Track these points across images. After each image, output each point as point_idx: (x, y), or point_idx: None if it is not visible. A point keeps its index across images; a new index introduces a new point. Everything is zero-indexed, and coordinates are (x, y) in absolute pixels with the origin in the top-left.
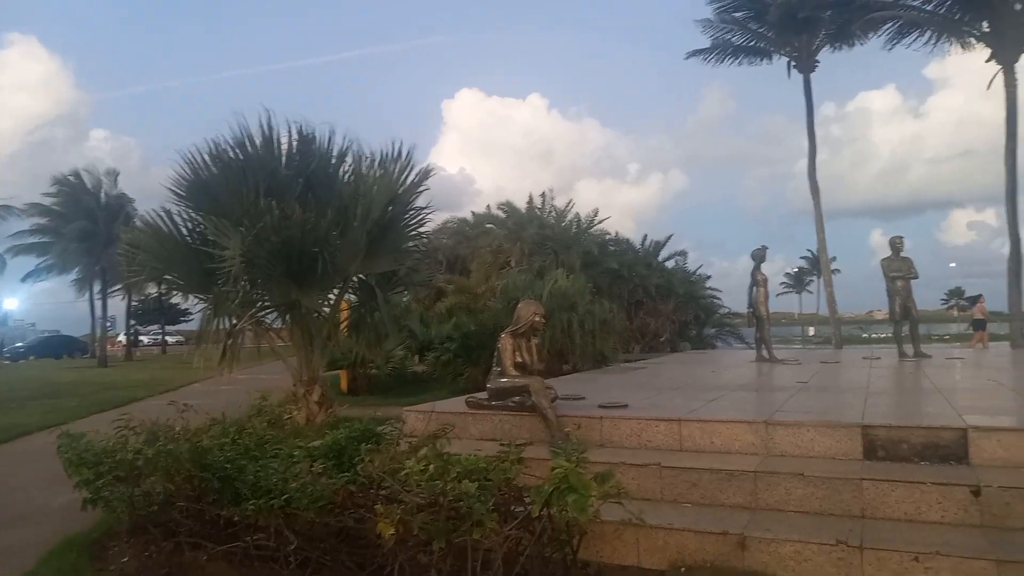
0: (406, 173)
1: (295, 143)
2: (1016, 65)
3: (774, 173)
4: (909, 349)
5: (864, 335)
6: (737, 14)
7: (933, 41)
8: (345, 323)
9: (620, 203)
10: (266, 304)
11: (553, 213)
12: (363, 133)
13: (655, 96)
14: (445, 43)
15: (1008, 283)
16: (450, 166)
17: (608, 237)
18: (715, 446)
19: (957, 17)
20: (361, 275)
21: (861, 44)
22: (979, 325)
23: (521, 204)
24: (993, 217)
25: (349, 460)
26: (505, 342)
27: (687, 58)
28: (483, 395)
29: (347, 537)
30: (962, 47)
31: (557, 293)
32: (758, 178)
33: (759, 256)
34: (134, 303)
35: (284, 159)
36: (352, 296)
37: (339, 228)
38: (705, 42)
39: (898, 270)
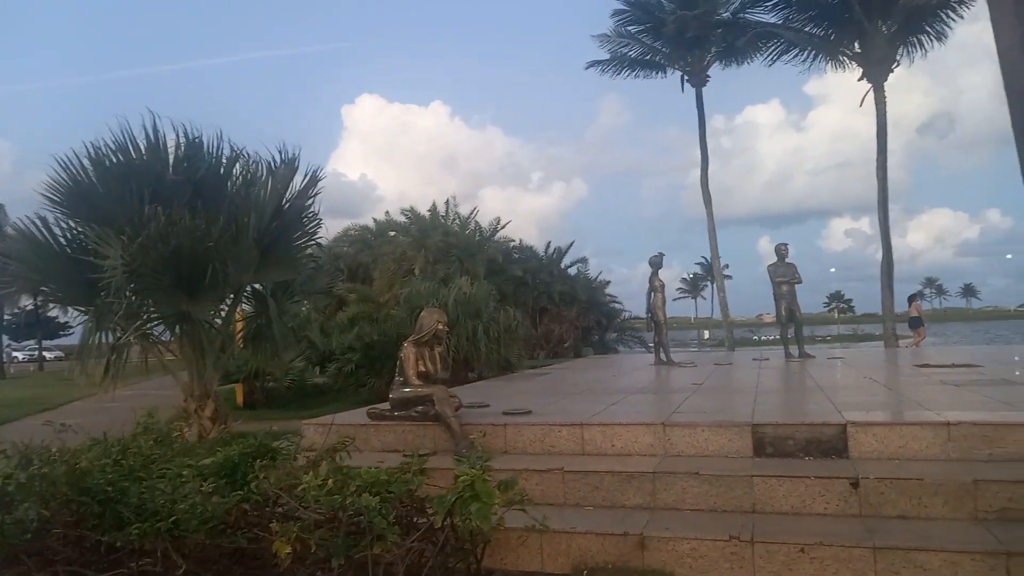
0: (296, 178)
1: (183, 147)
2: (885, 83)
3: (669, 183)
4: (795, 350)
5: (755, 337)
6: (633, 28)
7: (811, 60)
8: (240, 335)
9: (524, 210)
10: (153, 316)
11: (457, 220)
12: (261, 139)
13: (556, 106)
14: (344, 48)
15: (881, 286)
16: (351, 172)
17: (512, 244)
18: (616, 449)
19: (832, 38)
20: (256, 284)
21: (748, 63)
22: (916, 323)
23: (425, 211)
24: (867, 225)
25: (243, 477)
26: (408, 351)
27: (587, 68)
28: (385, 406)
29: (241, 558)
30: (836, 66)
31: (462, 301)
32: (654, 187)
33: (656, 263)
34: (7, 317)
35: (171, 164)
36: (247, 306)
37: (231, 235)
38: (604, 55)
39: (783, 275)
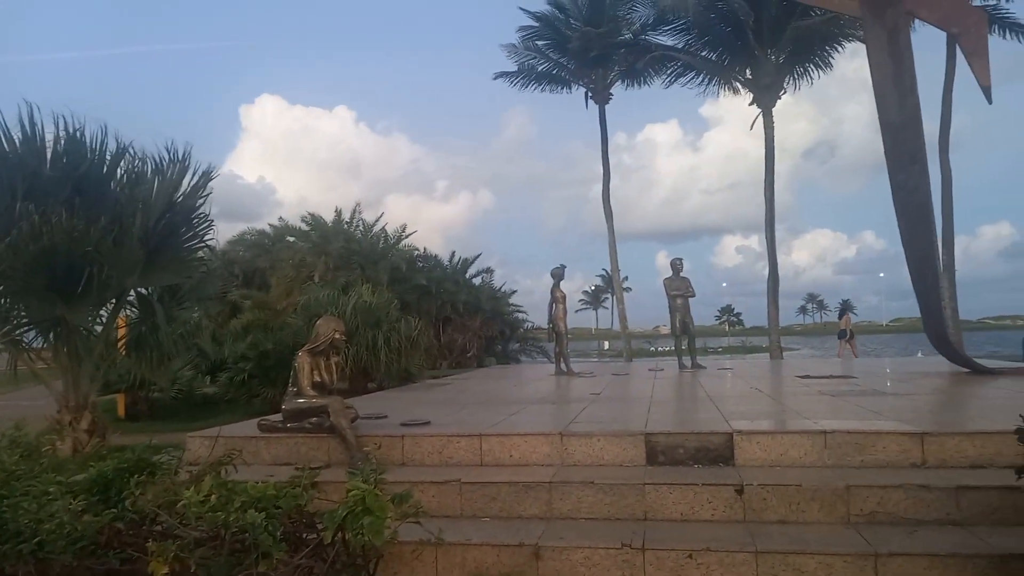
0: (186, 177)
1: (63, 142)
2: (773, 109)
3: (572, 196)
4: (688, 361)
5: (651, 348)
6: (540, 42)
7: (706, 83)
8: (122, 342)
9: (429, 219)
10: (24, 320)
11: (361, 227)
12: (154, 135)
13: (463, 115)
14: (244, 47)
15: (767, 301)
16: (249, 174)
17: (417, 253)
18: (515, 459)
19: (726, 64)
20: (141, 289)
21: (648, 85)
22: (842, 335)
23: (328, 216)
24: (756, 243)
25: (118, 494)
26: (302, 360)
27: (495, 78)
28: (277, 417)
29: None
30: (730, 91)
31: (362, 309)
32: (558, 200)
33: (558, 274)
34: None
35: (49, 159)
36: (130, 312)
37: (114, 237)
38: (512, 66)
39: (677, 289)
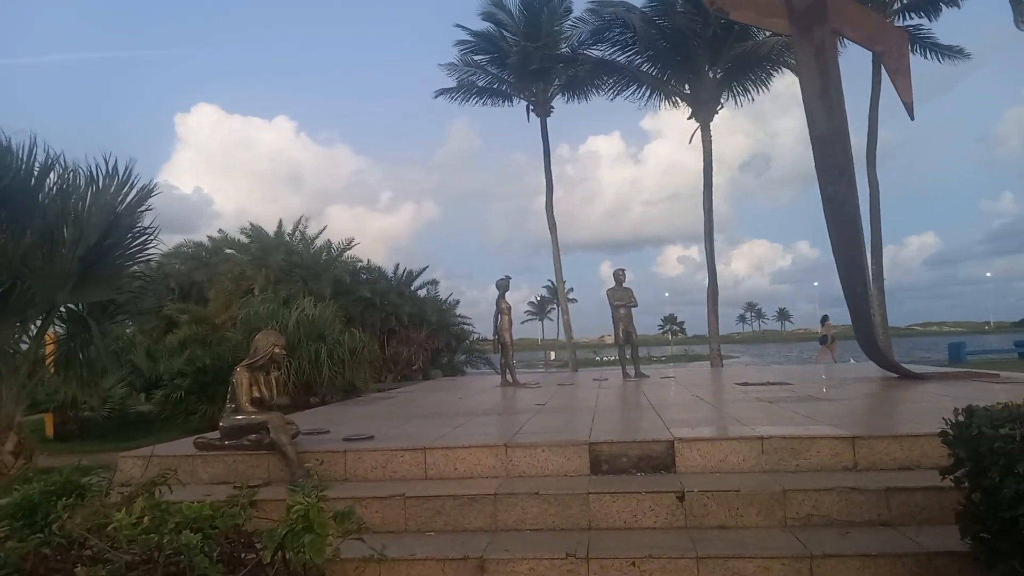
0: (125, 191)
1: None
2: (711, 123)
3: (517, 207)
4: (631, 370)
5: (597, 358)
6: (479, 57)
7: (647, 97)
8: (51, 359)
9: (373, 230)
10: None
11: (302, 239)
12: (83, 145)
13: (407, 127)
14: (178, 55)
15: (707, 310)
16: (184, 185)
17: (361, 265)
18: (460, 472)
19: (666, 78)
20: (71, 304)
21: (587, 99)
22: (824, 340)
23: (269, 228)
24: (697, 253)
25: (44, 518)
26: (241, 376)
27: (435, 96)
28: (215, 435)
29: None
30: (670, 104)
31: (304, 322)
32: (502, 211)
33: (503, 286)
34: None
35: None
36: (59, 328)
37: (43, 252)
38: (452, 82)
39: (620, 299)
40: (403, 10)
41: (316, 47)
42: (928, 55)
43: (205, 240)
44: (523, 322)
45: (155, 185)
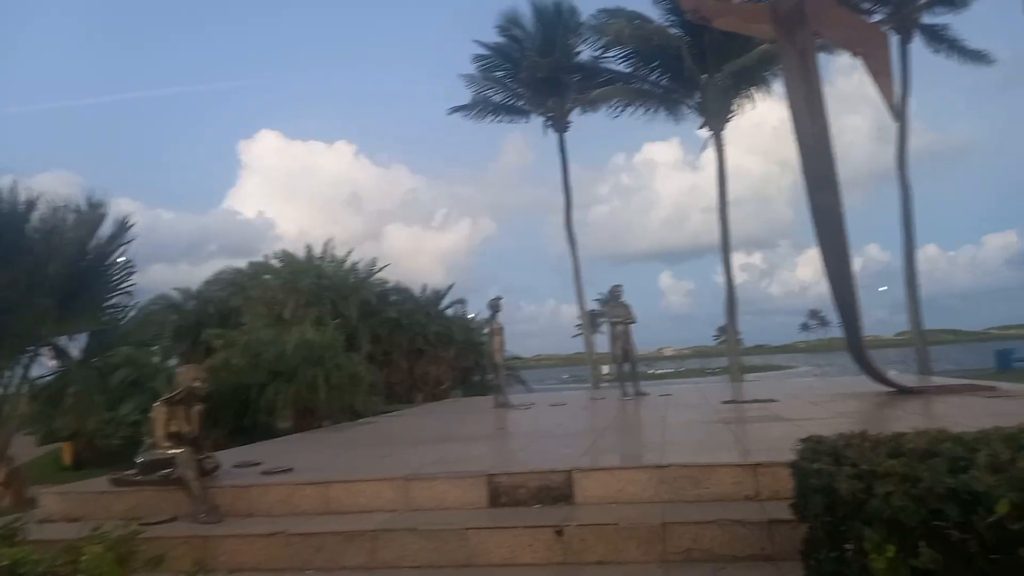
0: (100, 224)
1: None
2: (723, 132)
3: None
4: (630, 388)
5: (650, 371)
6: (498, 73)
7: (653, 110)
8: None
9: (431, 248)
10: None
11: (332, 262)
12: (148, 177)
13: (461, 143)
14: (241, 86)
15: (727, 323)
16: (248, 210)
17: (389, 286)
18: (360, 505)
19: (672, 89)
20: (58, 337)
21: (595, 112)
22: None
23: (300, 253)
24: (760, 260)
25: None
26: (158, 411)
27: (450, 113)
28: (132, 471)
29: None
30: (678, 117)
31: (303, 347)
32: (558, 224)
33: (494, 306)
34: None
35: None
36: (53, 360)
37: (24, 286)
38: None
39: (618, 315)
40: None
41: (375, 73)
42: (957, 57)
43: (245, 266)
44: (574, 336)
45: (128, 218)
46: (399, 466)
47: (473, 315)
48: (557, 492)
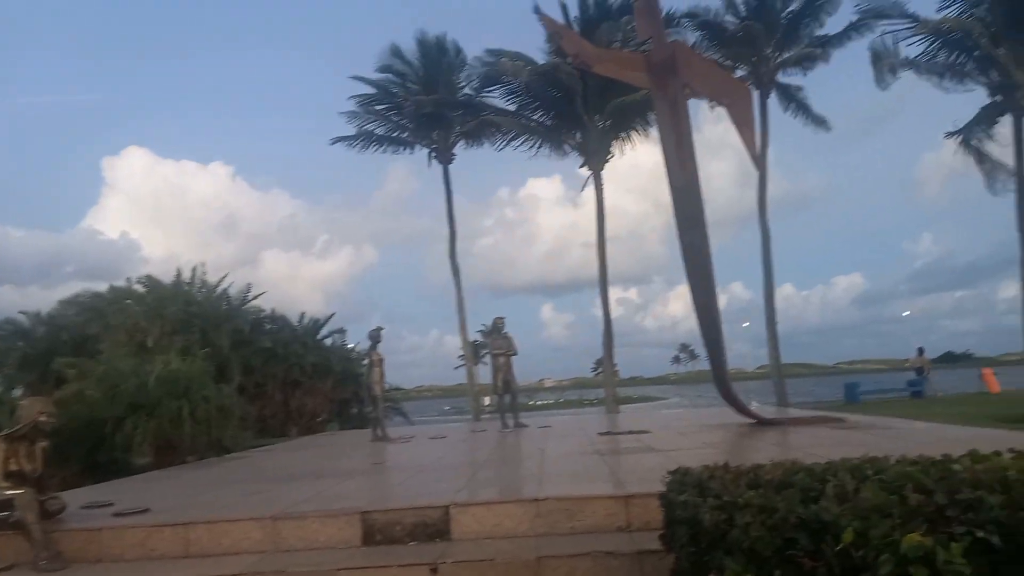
0: None
1: None
2: (602, 172)
3: (457, 250)
4: (510, 420)
5: (530, 402)
6: (380, 107)
7: (537, 146)
8: None
9: (310, 275)
10: None
11: (203, 288)
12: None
13: (343, 170)
14: (107, 99)
15: (604, 355)
16: (110, 230)
17: (264, 314)
18: (225, 547)
19: (556, 128)
20: None
21: (480, 146)
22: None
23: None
24: (636, 294)
25: None
26: None
27: (332, 144)
28: None
29: None
30: (560, 154)
31: (168, 378)
32: (443, 254)
33: (375, 337)
34: None
35: None
36: None
37: None
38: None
39: (500, 347)
40: (344, 53)
41: (256, 91)
42: (802, 118)
43: (103, 290)
44: (456, 367)
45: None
46: (268, 504)
47: (353, 345)
48: (433, 528)
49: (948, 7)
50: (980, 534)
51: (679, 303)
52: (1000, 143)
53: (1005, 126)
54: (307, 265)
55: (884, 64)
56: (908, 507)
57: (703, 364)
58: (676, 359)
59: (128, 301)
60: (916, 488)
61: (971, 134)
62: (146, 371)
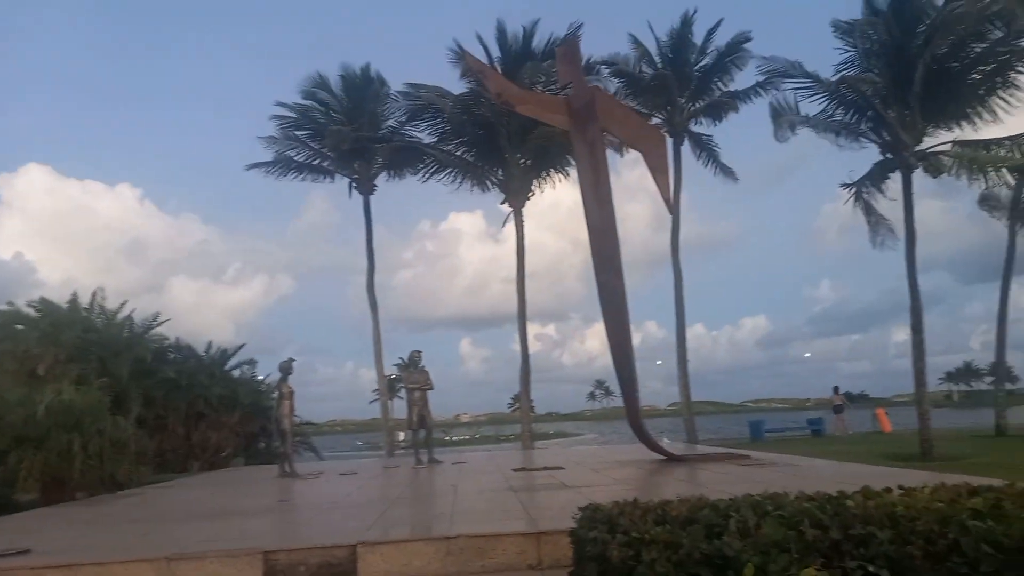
0: None
1: None
2: (523, 209)
3: (376, 283)
4: (424, 456)
5: (447, 438)
6: (299, 133)
7: (459, 181)
8: None
9: (221, 303)
10: None
11: (102, 314)
12: None
13: (261, 197)
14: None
15: (520, 391)
16: (2, 251)
17: (168, 343)
18: None
19: (478, 164)
20: None
21: (402, 179)
22: (838, 410)
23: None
24: (554, 330)
25: None
26: None
27: (248, 169)
28: None
29: None
30: (482, 189)
31: (59, 409)
32: (359, 286)
33: (285, 368)
34: None
35: None
36: None
37: None
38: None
39: (415, 382)
40: (266, 80)
41: (170, 114)
42: (712, 167)
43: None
44: (371, 402)
45: None
46: (163, 544)
47: (263, 377)
48: (340, 568)
49: (843, 70)
50: (871, 568)
51: (596, 340)
52: (890, 197)
53: (896, 181)
54: (218, 293)
55: (783, 121)
56: (805, 542)
57: (618, 401)
58: (592, 395)
59: (19, 326)
60: (813, 523)
61: (863, 188)
62: (35, 401)
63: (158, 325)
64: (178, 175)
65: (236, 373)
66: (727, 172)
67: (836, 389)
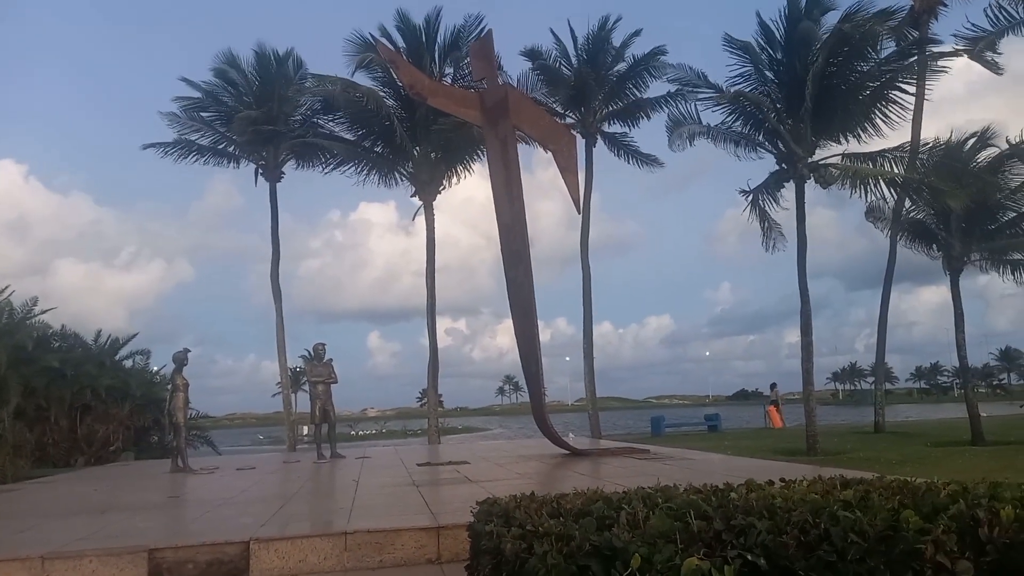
0: None
1: None
2: (435, 202)
3: (280, 271)
4: (327, 450)
5: (352, 432)
6: (205, 114)
7: (366, 173)
8: None
9: (112, 289)
10: None
11: None
12: None
13: (159, 178)
14: None
15: (427, 385)
16: None
17: (52, 331)
18: None
19: (389, 156)
20: None
21: (310, 167)
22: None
23: None
24: (464, 325)
25: None
26: None
27: (144, 149)
28: None
29: None
30: (392, 182)
31: None
32: (263, 274)
33: (180, 359)
34: None
35: None
36: None
37: None
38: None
39: (319, 375)
40: (166, 53)
41: (60, 87)
42: (631, 160)
43: None
44: (274, 395)
45: None
46: (38, 542)
47: (157, 368)
48: (231, 566)
49: (740, 84)
50: (749, 557)
51: (506, 335)
52: (784, 207)
53: (791, 191)
54: (110, 278)
55: (680, 131)
56: (690, 533)
57: (526, 396)
58: (501, 390)
59: None
60: (698, 515)
61: (759, 196)
62: None
63: (41, 312)
64: (69, 152)
65: (128, 363)
66: (650, 161)
67: (773, 386)
